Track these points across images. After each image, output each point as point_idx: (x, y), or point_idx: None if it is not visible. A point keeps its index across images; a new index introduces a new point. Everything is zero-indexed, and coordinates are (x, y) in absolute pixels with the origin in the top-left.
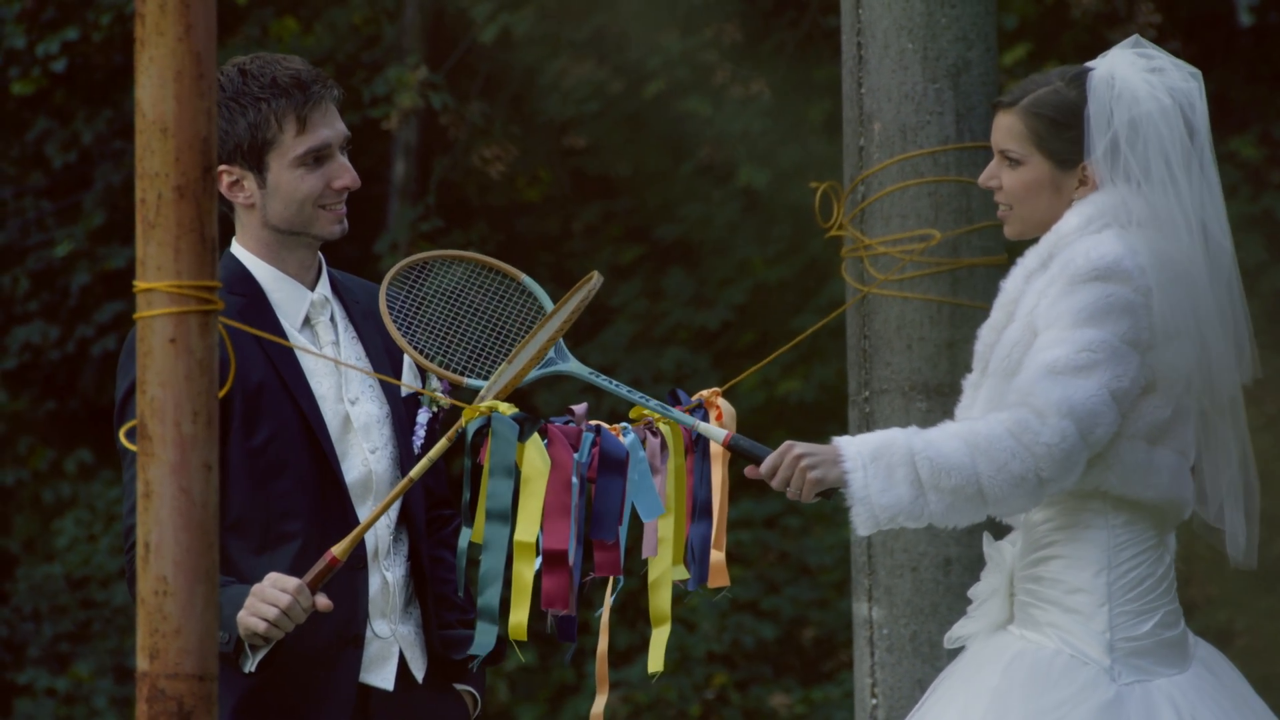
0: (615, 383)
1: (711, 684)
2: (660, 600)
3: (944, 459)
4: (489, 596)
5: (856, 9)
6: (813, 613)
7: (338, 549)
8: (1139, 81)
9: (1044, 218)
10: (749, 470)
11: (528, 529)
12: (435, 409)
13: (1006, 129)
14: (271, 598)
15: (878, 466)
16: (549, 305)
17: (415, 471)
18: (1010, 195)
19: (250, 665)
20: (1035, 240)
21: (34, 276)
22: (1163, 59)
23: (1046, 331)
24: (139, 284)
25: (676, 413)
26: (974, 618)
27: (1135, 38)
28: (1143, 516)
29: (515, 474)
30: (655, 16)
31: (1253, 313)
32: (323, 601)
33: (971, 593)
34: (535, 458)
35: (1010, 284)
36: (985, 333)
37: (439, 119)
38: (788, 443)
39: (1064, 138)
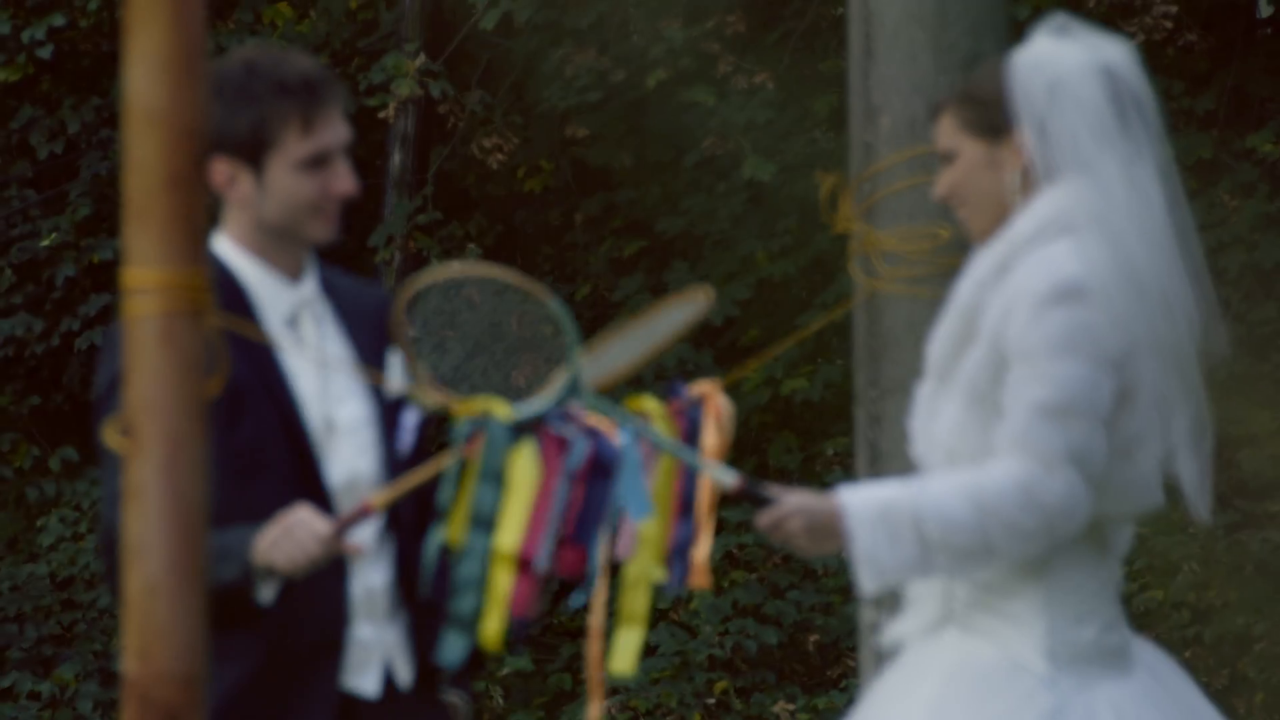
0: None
1: (713, 690)
2: (632, 601)
3: (952, 521)
4: (463, 604)
5: None
6: (817, 618)
7: (375, 498)
8: (1060, 52)
9: (994, 202)
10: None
11: (510, 537)
12: (425, 410)
13: (942, 130)
14: (304, 543)
15: (884, 528)
16: (570, 335)
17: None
18: (955, 191)
19: (268, 594)
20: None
21: (18, 268)
22: (1090, 36)
23: (1022, 364)
24: (127, 277)
25: (686, 453)
26: (909, 616)
27: (1062, 19)
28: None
29: (502, 481)
30: (658, 5)
31: (1271, 314)
32: (354, 544)
33: (908, 591)
34: (526, 465)
35: (964, 291)
36: (941, 342)
37: (437, 108)
38: (788, 499)
39: (989, 113)
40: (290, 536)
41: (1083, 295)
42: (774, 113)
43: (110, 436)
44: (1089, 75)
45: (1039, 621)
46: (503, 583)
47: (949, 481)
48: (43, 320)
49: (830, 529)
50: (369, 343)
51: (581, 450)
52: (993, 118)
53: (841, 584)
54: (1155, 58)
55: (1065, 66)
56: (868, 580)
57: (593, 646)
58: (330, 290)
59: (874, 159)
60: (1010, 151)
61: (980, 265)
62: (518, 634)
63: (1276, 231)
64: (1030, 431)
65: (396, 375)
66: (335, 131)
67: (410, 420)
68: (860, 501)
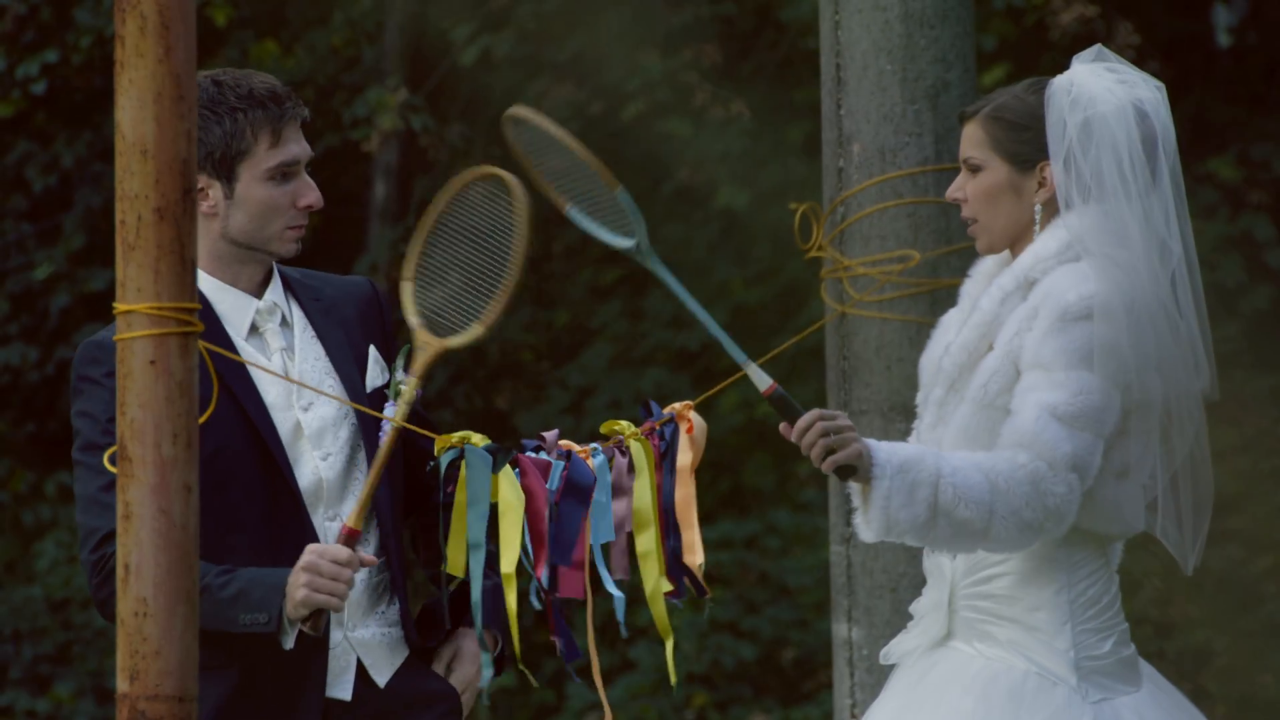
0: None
1: (691, 704)
2: (660, 614)
3: (967, 490)
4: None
5: (835, 31)
6: (792, 633)
7: (351, 519)
8: (1098, 87)
9: (1009, 225)
10: (783, 428)
11: (509, 559)
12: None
13: (969, 138)
14: (333, 574)
15: (904, 479)
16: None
17: (397, 418)
18: (973, 203)
19: (291, 641)
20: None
21: (14, 299)
22: (1126, 70)
23: (1035, 370)
24: (119, 306)
25: (753, 368)
26: (912, 633)
27: (1098, 48)
28: (1088, 536)
29: (491, 505)
30: (635, 38)
31: (1232, 333)
32: (368, 556)
33: (913, 608)
34: (508, 490)
35: (987, 304)
36: (956, 352)
37: (419, 141)
38: (816, 411)
39: (1021, 139)
40: (321, 574)
41: (1105, 313)
42: (749, 141)
43: (108, 464)
44: (1123, 116)
45: (1064, 634)
46: (513, 602)
47: (967, 456)
48: (37, 349)
49: (851, 460)
50: (347, 338)
51: (559, 473)
52: (1023, 147)
53: (815, 600)
54: None
55: (1101, 106)
56: (873, 528)
57: (594, 665)
58: (298, 290)
59: (846, 186)
60: (1036, 181)
61: (1004, 280)
62: (571, 652)
63: (1236, 252)
64: (1042, 432)
65: (375, 368)
66: (300, 145)
67: (390, 412)
68: (887, 449)
